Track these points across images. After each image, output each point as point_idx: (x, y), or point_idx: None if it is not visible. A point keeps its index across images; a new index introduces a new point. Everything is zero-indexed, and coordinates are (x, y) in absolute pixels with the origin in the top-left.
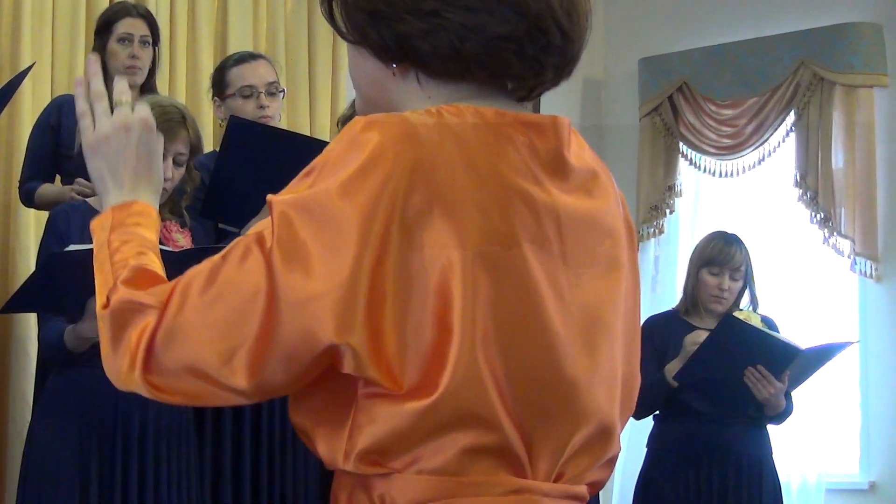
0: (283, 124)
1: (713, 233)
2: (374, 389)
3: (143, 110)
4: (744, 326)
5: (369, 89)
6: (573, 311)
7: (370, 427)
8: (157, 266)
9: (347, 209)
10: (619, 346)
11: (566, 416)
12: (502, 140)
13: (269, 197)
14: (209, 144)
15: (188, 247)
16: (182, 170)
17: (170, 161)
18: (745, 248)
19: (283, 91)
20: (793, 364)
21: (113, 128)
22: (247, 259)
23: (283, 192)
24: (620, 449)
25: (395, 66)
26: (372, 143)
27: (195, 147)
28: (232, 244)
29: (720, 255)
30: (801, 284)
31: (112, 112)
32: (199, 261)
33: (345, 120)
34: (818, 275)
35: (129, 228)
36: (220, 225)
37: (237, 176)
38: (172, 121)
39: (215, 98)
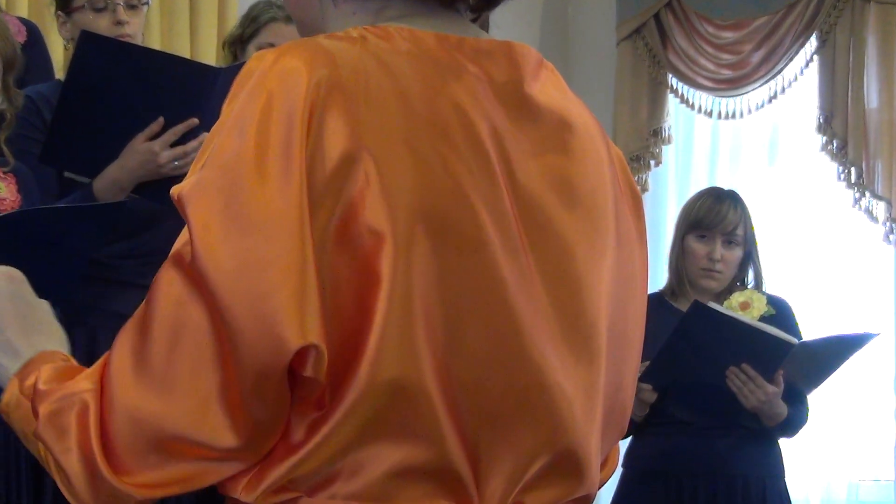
0: (154, 46)
1: (702, 190)
2: (303, 408)
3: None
4: (714, 315)
5: (295, 8)
6: (539, 293)
7: (287, 452)
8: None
9: (272, 174)
10: (601, 348)
11: (529, 422)
12: (447, 73)
13: (173, 190)
14: (54, 72)
15: (12, 197)
16: None
17: None
18: (742, 206)
19: (147, 3)
20: (796, 360)
21: None
22: (170, 287)
23: (189, 173)
24: (598, 487)
25: None
26: (276, 76)
27: (8, 57)
28: (153, 282)
29: (708, 216)
30: (824, 257)
31: None
32: (35, 225)
33: (232, 42)
34: (846, 245)
35: (46, 365)
36: (66, 173)
37: (89, 110)
38: None
39: (59, 13)
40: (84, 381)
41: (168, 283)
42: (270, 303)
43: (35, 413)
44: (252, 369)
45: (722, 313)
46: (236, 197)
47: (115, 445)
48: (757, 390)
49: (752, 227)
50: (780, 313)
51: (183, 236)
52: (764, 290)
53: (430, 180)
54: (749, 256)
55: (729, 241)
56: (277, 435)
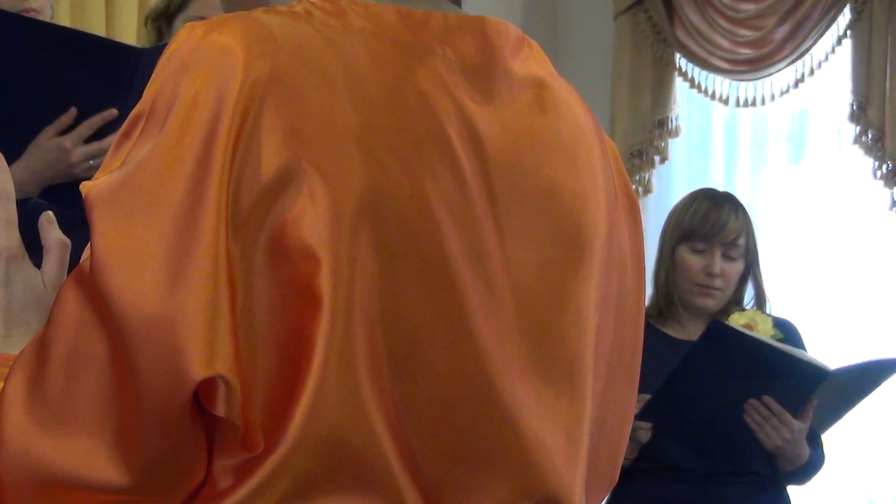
0: (64, 21)
1: (694, 192)
2: (231, 460)
3: (2, 239)
4: (740, 338)
5: None
6: (510, 317)
7: (216, 500)
8: None
9: (184, 178)
10: (587, 382)
11: (499, 469)
12: (409, 56)
13: (83, 187)
14: None
15: None
16: None
17: None
18: (743, 211)
19: None
20: (817, 393)
21: None
22: (69, 307)
23: (101, 170)
24: None
25: None
26: (209, 59)
27: None
28: (55, 299)
29: (705, 223)
30: (853, 270)
31: None
32: None
33: (157, 17)
34: (882, 255)
35: None
36: None
37: None
38: None
39: None
40: None
41: (68, 303)
42: (173, 327)
43: None
44: (151, 401)
45: (748, 335)
46: (144, 209)
47: (3, 485)
48: (781, 427)
49: (754, 237)
50: (786, 337)
51: (88, 249)
52: (767, 309)
53: (384, 185)
54: (749, 271)
55: (729, 254)
56: (183, 478)
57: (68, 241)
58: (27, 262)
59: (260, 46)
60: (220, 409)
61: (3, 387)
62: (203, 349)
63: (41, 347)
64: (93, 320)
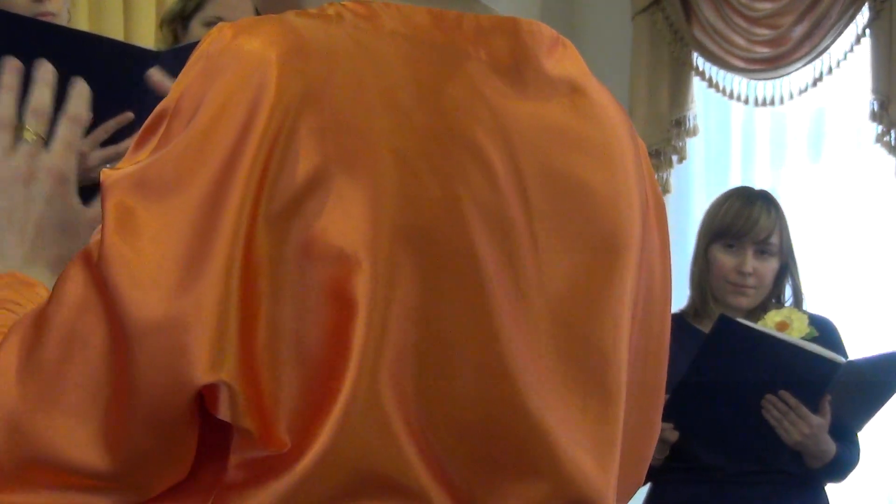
0: (81, 24)
1: (729, 190)
2: (249, 455)
3: (58, 157)
4: (745, 331)
5: None
6: (542, 323)
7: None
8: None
9: (208, 178)
10: (621, 386)
11: (531, 474)
12: (443, 59)
13: (103, 173)
14: None
15: None
16: None
17: None
18: (777, 209)
19: None
20: (844, 387)
21: (7, 177)
22: (72, 290)
23: (124, 161)
24: None
25: None
26: (240, 64)
27: None
28: (59, 277)
29: (737, 221)
30: (881, 269)
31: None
32: None
33: (172, 18)
34: None
35: None
36: None
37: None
38: None
39: None
40: None
41: (72, 283)
42: (180, 330)
43: None
44: (147, 399)
45: (752, 328)
46: (163, 201)
47: None
48: (799, 421)
49: (788, 235)
50: (823, 335)
51: (98, 231)
52: (805, 308)
53: (417, 194)
54: (786, 269)
55: (762, 251)
56: (166, 473)
57: None
58: (74, 191)
59: (291, 51)
60: (223, 414)
61: (6, 343)
62: (209, 354)
63: (40, 321)
64: (96, 306)
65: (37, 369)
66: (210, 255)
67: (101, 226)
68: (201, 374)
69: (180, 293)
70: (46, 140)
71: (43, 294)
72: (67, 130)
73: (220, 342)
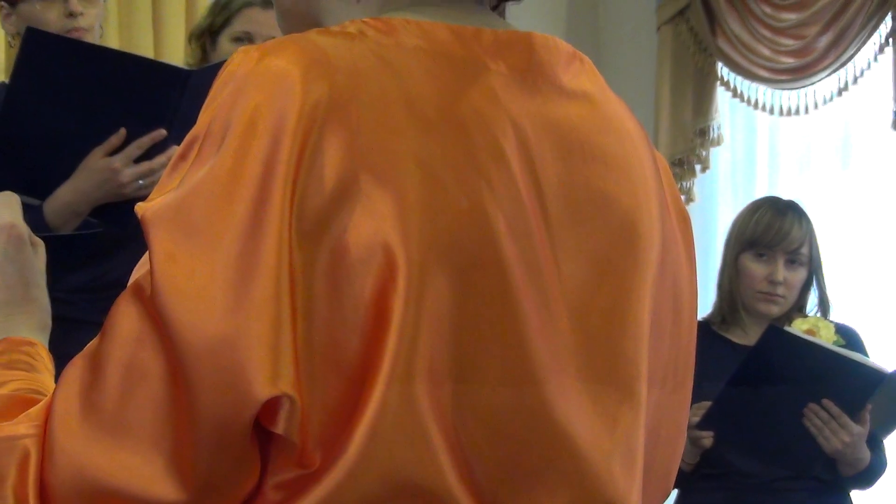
0: (113, 41)
1: (758, 200)
2: (287, 476)
3: (7, 214)
4: (795, 341)
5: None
6: (565, 330)
7: None
8: (43, 392)
9: (246, 201)
10: (642, 393)
11: (557, 482)
12: (462, 72)
13: (139, 208)
14: None
15: None
16: None
17: None
18: (807, 220)
19: None
20: (876, 396)
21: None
22: (126, 325)
23: (156, 191)
24: None
25: None
26: (265, 83)
27: None
28: (110, 314)
29: (769, 232)
30: None
31: None
32: None
33: (201, 34)
34: None
35: (2, 373)
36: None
37: (37, 119)
38: None
39: (2, 3)
40: (25, 425)
41: (125, 318)
42: (236, 348)
43: None
44: (211, 421)
45: (804, 339)
46: (204, 230)
47: (53, 497)
48: (840, 431)
49: (817, 245)
50: (849, 344)
51: (144, 264)
52: (830, 316)
53: (444, 205)
54: (812, 278)
55: (792, 261)
56: (238, 494)
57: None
58: (28, 244)
59: (316, 69)
60: (280, 428)
61: (52, 399)
62: (267, 368)
63: (95, 361)
64: (151, 338)
65: (98, 409)
66: (257, 272)
67: (147, 259)
68: (262, 389)
69: (232, 312)
70: None
71: (31, 347)
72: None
73: (277, 356)
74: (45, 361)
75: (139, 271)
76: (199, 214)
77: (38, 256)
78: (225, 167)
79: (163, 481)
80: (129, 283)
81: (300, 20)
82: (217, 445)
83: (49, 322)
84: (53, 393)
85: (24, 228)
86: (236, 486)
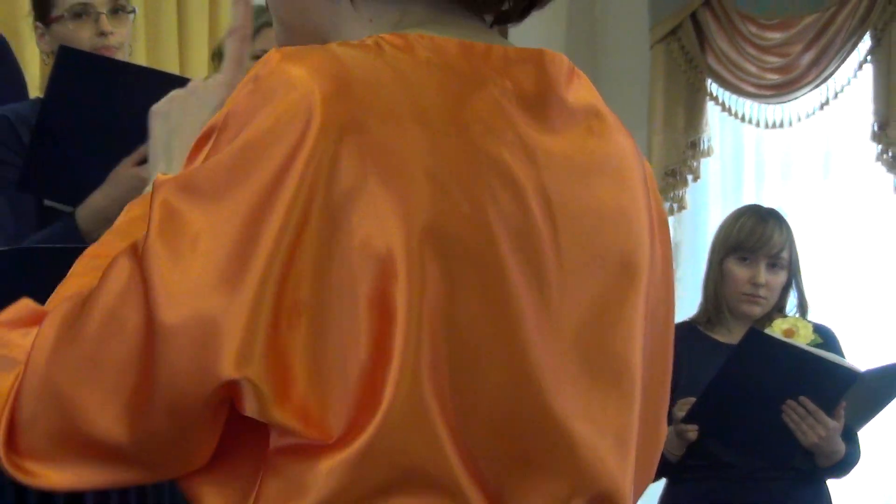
0: (141, 58)
1: (741, 208)
2: (289, 441)
3: (232, 78)
4: (774, 343)
5: (286, 12)
6: (565, 329)
7: (285, 500)
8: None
9: (257, 188)
10: (634, 386)
11: (555, 470)
12: (470, 86)
13: (158, 178)
14: (33, 89)
15: None
16: None
17: None
18: (786, 226)
19: (134, 10)
20: (850, 393)
21: (189, 89)
22: (117, 277)
23: (186, 164)
24: None
25: None
26: (287, 90)
27: None
28: (110, 263)
29: (751, 237)
30: (879, 279)
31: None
32: (14, 266)
33: (221, 52)
34: None
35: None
36: (47, 202)
37: (71, 132)
38: None
39: (37, 23)
40: (20, 348)
41: (118, 271)
42: (209, 326)
43: None
44: (169, 386)
45: (782, 341)
46: (209, 202)
47: (18, 421)
48: (817, 426)
49: (796, 250)
50: (826, 342)
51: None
52: (809, 316)
53: (446, 208)
54: (792, 281)
55: (773, 265)
56: (184, 459)
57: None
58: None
59: (336, 80)
60: (249, 410)
61: (42, 325)
62: (236, 352)
63: (86, 302)
64: (136, 295)
65: (76, 343)
66: (248, 262)
67: (149, 220)
68: (226, 371)
69: (213, 295)
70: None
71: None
72: (234, 47)
73: (248, 344)
74: None
75: (141, 230)
76: (204, 194)
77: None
78: (240, 157)
79: (115, 422)
80: (132, 240)
81: (302, 35)
82: (169, 409)
83: None
84: (45, 318)
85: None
86: (186, 449)
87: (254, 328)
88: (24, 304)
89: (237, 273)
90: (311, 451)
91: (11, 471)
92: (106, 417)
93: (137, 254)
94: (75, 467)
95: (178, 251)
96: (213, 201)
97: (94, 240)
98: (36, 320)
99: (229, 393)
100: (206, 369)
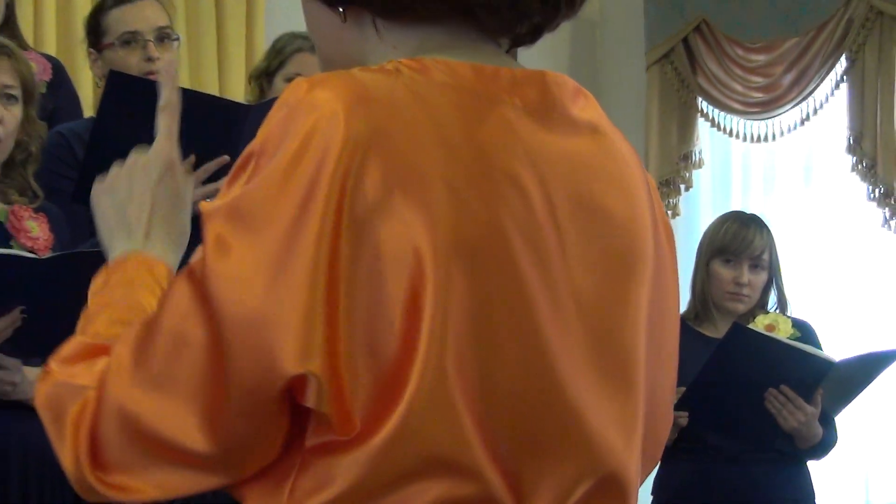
0: (184, 81)
1: (725, 214)
2: (323, 439)
3: (167, 149)
4: (755, 336)
5: (324, 44)
6: (573, 323)
7: (315, 490)
8: (132, 315)
9: (292, 204)
10: (640, 374)
11: (567, 452)
12: (483, 103)
13: (202, 205)
14: (87, 109)
15: (45, 237)
16: (16, 110)
17: None
18: (767, 230)
19: (178, 38)
20: (826, 381)
21: (127, 166)
22: (179, 300)
23: (218, 198)
24: None
25: (342, 9)
26: (314, 111)
27: (28, 84)
28: (166, 290)
29: (735, 241)
30: (854, 278)
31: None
32: (73, 269)
33: (259, 75)
34: (877, 265)
35: (116, 290)
36: None
37: (120, 148)
38: None
39: (90, 50)
40: (88, 375)
41: (179, 295)
42: (270, 327)
43: (37, 387)
44: (241, 388)
45: (763, 334)
46: (253, 224)
47: (102, 442)
48: (796, 411)
49: (776, 251)
50: (804, 336)
51: (199, 251)
52: (788, 312)
53: (465, 216)
54: (772, 280)
55: (755, 265)
56: (262, 456)
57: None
58: (180, 174)
59: (358, 100)
60: (310, 402)
61: (111, 355)
62: (296, 349)
63: (150, 327)
64: (198, 313)
65: (148, 366)
66: (295, 266)
67: (202, 246)
68: (290, 366)
69: (269, 296)
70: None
71: (148, 270)
72: (165, 121)
73: (308, 339)
74: (161, 280)
75: (195, 257)
76: (249, 212)
77: (188, 184)
78: (276, 177)
79: (195, 433)
80: (186, 266)
81: (341, 64)
82: (245, 410)
83: (185, 243)
84: (113, 348)
85: (178, 158)
86: (261, 447)
87: (310, 327)
88: (77, 342)
89: (285, 278)
90: (341, 444)
91: (101, 489)
92: (188, 429)
93: (194, 277)
94: (164, 475)
95: (232, 266)
96: (257, 221)
97: None
98: (92, 353)
99: (292, 388)
100: (273, 369)
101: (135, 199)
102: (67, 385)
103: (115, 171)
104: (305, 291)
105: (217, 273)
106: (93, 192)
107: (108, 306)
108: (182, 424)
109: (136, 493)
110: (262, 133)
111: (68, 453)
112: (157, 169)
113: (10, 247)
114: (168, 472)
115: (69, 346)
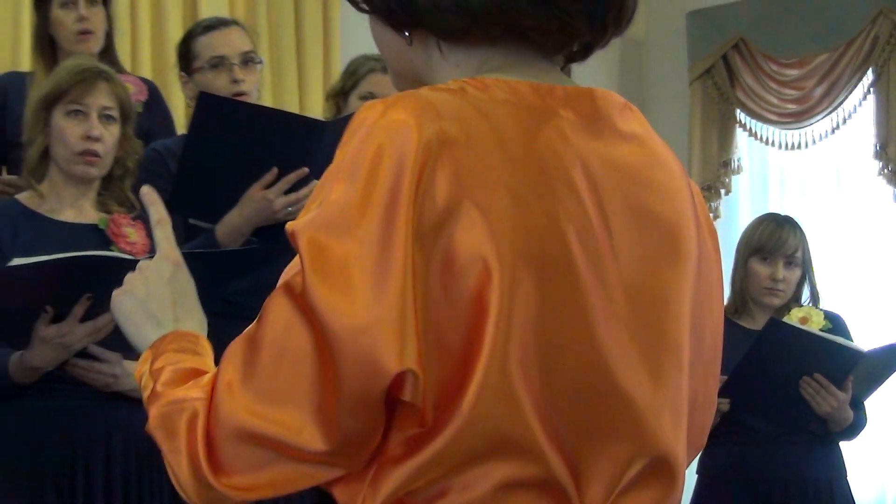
0: (267, 101)
1: (761, 216)
2: (406, 431)
3: (171, 252)
4: (791, 330)
5: (396, 63)
6: (624, 317)
7: (394, 471)
8: (206, 369)
9: (378, 212)
10: (684, 363)
11: (621, 436)
12: (540, 118)
13: (289, 226)
14: (180, 127)
15: (142, 241)
16: (115, 129)
17: (94, 117)
18: (800, 230)
19: (261, 62)
20: (856, 369)
21: (139, 271)
22: (278, 314)
23: (302, 213)
24: (682, 495)
25: (407, 33)
26: (389, 127)
27: (124, 106)
28: (264, 306)
29: (771, 240)
30: (882, 272)
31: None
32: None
33: (335, 94)
34: None
35: (173, 355)
36: (191, 220)
37: (209, 162)
38: (87, 72)
39: (182, 73)
40: (196, 390)
41: (279, 308)
42: (372, 333)
43: (147, 410)
44: (352, 390)
45: (798, 328)
46: (346, 234)
47: (218, 449)
48: (829, 397)
49: (809, 249)
50: (835, 327)
51: (293, 267)
52: (820, 305)
53: (528, 221)
54: (806, 275)
55: (789, 263)
56: (371, 446)
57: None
58: (185, 269)
59: (428, 118)
60: (407, 396)
61: (217, 370)
62: (397, 349)
63: (253, 343)
64: (300, 325)
65: (256, 378)
66: (390, 271)
67: (295, 262)
68: (392, 366)
69: (371, 305)
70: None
71: (195, 338)
72: (162, 233)
73: (403, 339)
74: (206, 348)
75: (288, 273)
76: (340, 226)
77: (190, 279)
78: (358, 192)
79: (310, 433)
80: (280, 283)
81: (410, 80)
82: (356, 409)
83: (206, 324)
84: (218, 366)
85: (182, 259)
86: (368, 441)
87: (405, 326)
88: (172, 370)
89: (384, 283)
90: (419, 438)
91: (221, 489)
92: (304, 432)
93: (292, 291)
94: (282, 473)
95: (331, 277)
96: (349, 230)
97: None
98: (189, 376)
99: (392, 385)
100: (379, 370)
101: (154, 295)
102: (176, 402)
103: (129, 277)
104: (401, 294)
105: (318, 284)
106: (112, 298)
107: (174, 364)
108: (296, 427)
109: (255, 490)
110: (341, 152)
111: (184, 461)
112: (168, 268)
113: (111, 251)
114: (286, 470)
115: (165, 375)
